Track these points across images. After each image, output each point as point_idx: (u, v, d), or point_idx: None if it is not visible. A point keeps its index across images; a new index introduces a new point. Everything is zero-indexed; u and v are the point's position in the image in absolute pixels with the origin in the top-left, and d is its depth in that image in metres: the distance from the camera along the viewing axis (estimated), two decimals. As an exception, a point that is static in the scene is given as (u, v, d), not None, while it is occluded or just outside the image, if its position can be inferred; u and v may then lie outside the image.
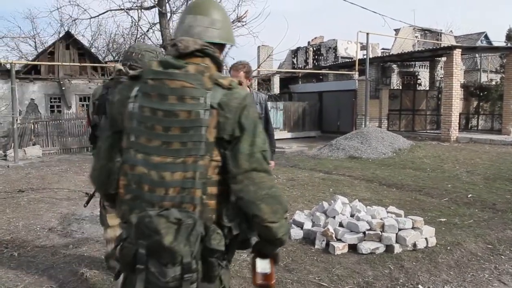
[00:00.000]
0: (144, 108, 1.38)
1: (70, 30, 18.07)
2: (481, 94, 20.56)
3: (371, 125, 16.80)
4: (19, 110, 13.40)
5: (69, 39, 17.55)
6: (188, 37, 1.46)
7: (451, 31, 29.46)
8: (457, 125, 15.80)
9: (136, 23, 10.75)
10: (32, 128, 14.18)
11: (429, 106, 20.48)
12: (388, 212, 4.61)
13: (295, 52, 32.88)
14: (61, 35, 20.00)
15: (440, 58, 21.02)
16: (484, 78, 26.61)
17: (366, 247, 4.01)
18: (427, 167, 9.70)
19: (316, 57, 32.38)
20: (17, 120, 11.95)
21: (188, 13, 1.56)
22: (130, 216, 1.35)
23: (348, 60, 22.74)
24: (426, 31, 27.20)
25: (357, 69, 17.93)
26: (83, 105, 18.04)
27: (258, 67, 19.03)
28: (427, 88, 21.61)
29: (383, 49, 30.71)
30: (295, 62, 32.77)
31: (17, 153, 11.53)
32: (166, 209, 1.32)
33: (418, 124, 19.72)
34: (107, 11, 12.03)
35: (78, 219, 5.19)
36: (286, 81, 26.10)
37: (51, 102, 17.67)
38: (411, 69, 22.63)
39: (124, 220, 1.40)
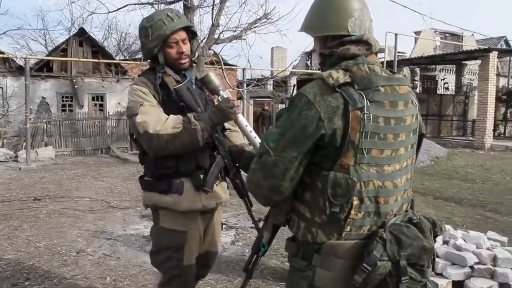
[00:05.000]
0: (379, 118, 1.33)
1: (83, 27, 17.38)
2: (510, 100, 19.67)
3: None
4: (30, 108, 12.67)
5: (82, 36, 16.80)
6: (369, 34, 1.45)
7: (472, 34, 28.60)
8: (492, 132, 14.92)
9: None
10: (45, 128, 13.47)
11: (456, 112, 19.62)
12: (488, 239, 3.79)
13: (309, 54, 32.13)
14: (71, 33, 19.27)
15: (466, 62, 20.19)
16: (502, 82, 25.64)
17: (478, 285, 3.19)
18: (475, 178, 8.94)
19: (331, 59, 31.56)
20: (30, 119, 11.19)
21: (356, 4, 1.43)
22: (380, 233, 1.33)
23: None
24: (447, 34, 26.35)
25: (383, 72, 17.09)
26: (95, 104, 17.30)
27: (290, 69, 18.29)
28: (453, 93, 20.77)
29: (399, 52, 29.88)
30: (309, 64, 31.98)
31: (30, 154, 10.77)
32: (395, 215, 1.41)
33: (444, 130, 18.89)
34: (126, 5, 11.11)
35: (109, 239, 4.38)
36: (303, 83, 25.32)
37: (62, 101, 16.92)
38: (432, 73, 21.78)
39: (362, 237, 1.36)
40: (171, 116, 1.94)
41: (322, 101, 1.31)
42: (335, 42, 1.43)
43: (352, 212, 1.34)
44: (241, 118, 2.02)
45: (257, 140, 2.00)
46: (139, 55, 20.03)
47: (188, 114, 1.93)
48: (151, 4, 10.26)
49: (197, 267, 2.22)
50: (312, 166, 1.38)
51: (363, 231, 1.37)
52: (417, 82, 20.13)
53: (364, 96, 1.31)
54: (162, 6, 10.56)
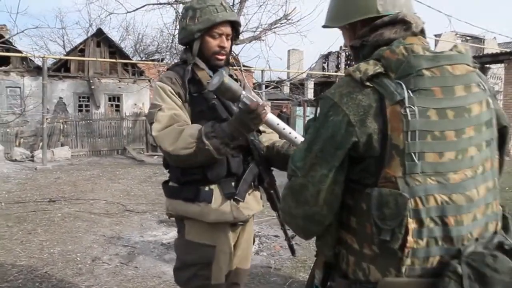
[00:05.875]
0: (428, 111, 1.02)
1: (101, 28, 17.33)
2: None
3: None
4: (47, 108, 12.62)
5: (100, 36, 16.76)
6: (407, 12, 1.15)
7: (494, 37, 28.00)
8: (517, 138, 14.43)
9: (179, 17, 9.73)
10: (61, 128, 13.44)
11: (478, 117, 19.14)
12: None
13: (326, 57, 31.73)
14: (89, 34, 19.28)
15: (489, 66, 19.66)
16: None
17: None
18: (504, 186, 8.52)
19: (348, 62, 31.11)
20: (47, 119, 11.12)
21: None
22: (452, 267, 1.00)
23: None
24: (468, 37, 25.82)
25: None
26: (112, 105, 17.27)
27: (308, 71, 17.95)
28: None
29: (417, 55, 29.37)
30: (325, 67, 31.58)
31: (46, 154, 10.68)
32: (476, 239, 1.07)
33: (466, 135, 18.44)
34: (145, 5, 10.93)
35: (126, 246, 4.16)
36: (320, 86, 24.99)
37: (79, 101, 16.91)
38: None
39: (432, 272, 1.03)
40: (186, 129, 1.69)
41: (350, 101, 1.05)
42: (365, 29, 1.17)
43: (410, 239, 1.02)
44: (271, 118, 1.71)
45: (293, 135, 1.73)
46: (156, 57, 19.95)
47: (203, 129, 1.67)
48: (170, 4, 10.09)
49: (226, 286, 1.97)
50: (352, 183, 1.10)
51: (432, 264, 1.04)
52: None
53: (403, 85, 1.03)
54: (182, 6, 10.38)
